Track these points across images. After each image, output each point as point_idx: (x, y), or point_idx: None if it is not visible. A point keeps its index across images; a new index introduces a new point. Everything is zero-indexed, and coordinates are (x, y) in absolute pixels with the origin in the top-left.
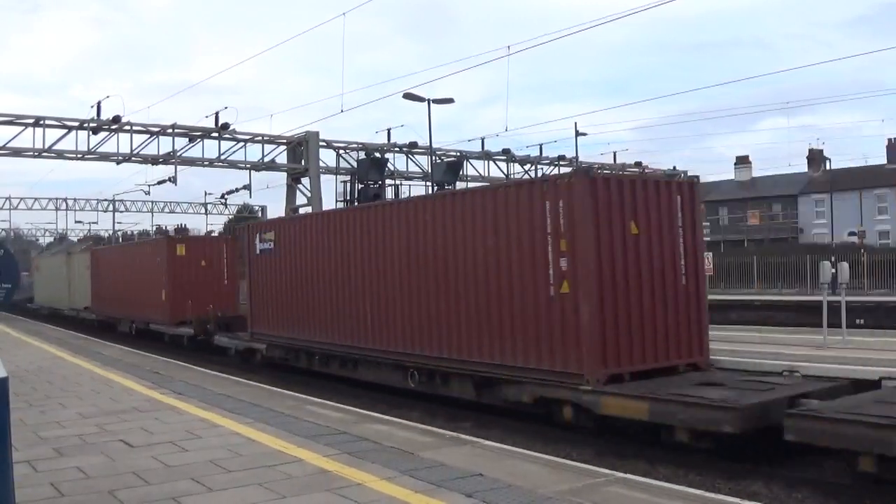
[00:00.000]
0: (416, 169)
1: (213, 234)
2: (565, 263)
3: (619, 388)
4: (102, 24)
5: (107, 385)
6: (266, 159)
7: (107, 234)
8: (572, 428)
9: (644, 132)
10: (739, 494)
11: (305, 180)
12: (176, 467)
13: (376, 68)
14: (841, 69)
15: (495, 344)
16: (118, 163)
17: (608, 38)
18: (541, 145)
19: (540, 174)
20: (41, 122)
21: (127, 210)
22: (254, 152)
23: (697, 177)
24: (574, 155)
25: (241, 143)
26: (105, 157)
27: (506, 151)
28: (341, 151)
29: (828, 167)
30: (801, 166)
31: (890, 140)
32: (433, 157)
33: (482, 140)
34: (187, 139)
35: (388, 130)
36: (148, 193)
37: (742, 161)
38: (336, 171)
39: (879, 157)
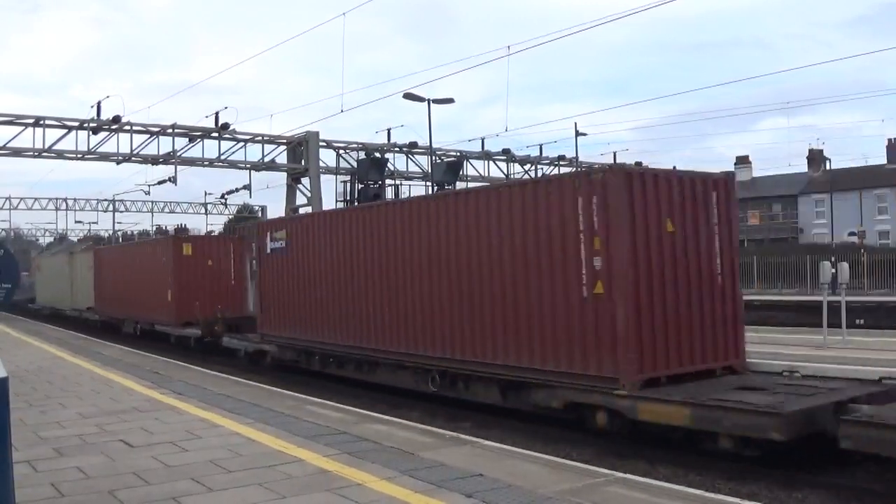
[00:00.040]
0: (416, 169)
1: (212, 234)
2: (599, 262)
3: (657, 393)
4: (102, 24)
5: (107, 385)
6: (266, 159)
7: (107, 234)
8: (605, 434)
9: (644, 132)
10: (739, 494)
11: (305, 180)
12: (176, 467)
13: (376, 68)
14: (841, 69)
15: (523, 346)
16: (118, 163)
17: (608, 38)
18: (541, 145)
19: (540, 174)
20: (41, 122)
21: (127, 210)
22: (254, 152)
23: (733, 173)
24: (574, 155)
25: (241, 143)
26: (105, 157)
27: (506, 151)
28: (341, 151)
29: (828, 167)
30: (801, 166)
31: (890, 140)
32: (433, 157)
33: (482, 140)
34: (187, 139)
35: (388, 130)
36: (148, 193)
37: (742, 161)
38: (336, 171)
39: (879, 157)
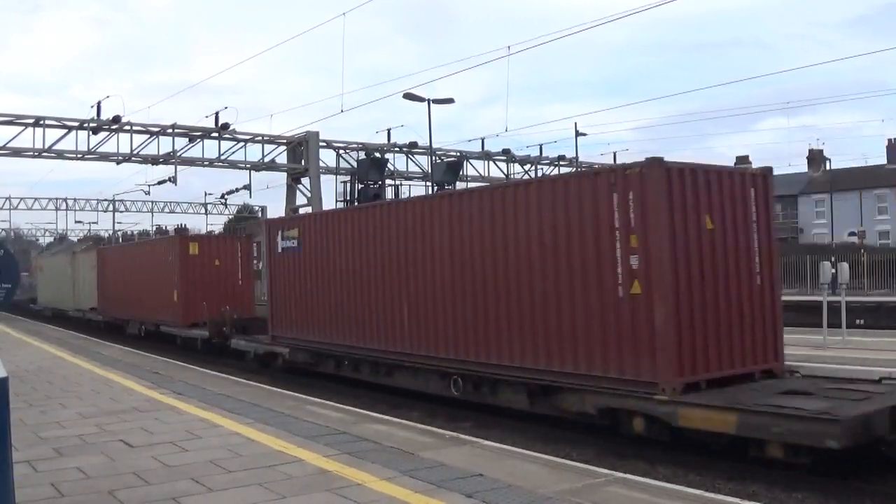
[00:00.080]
0: (416, 169)
1: (219, 234)
2: (636, 261)
3: (699, 398)
4: (102, 24)
5: (107, 385)
6: (266, 159)
7: (107, 234)
8: (643, 440)
9: (644, 132)
10: (739, 494)
11: (305, 180)
12: (176, 467)
13: (376, 68)
14: (841, 69)
15: (553, 349)
16: (118, 163)
17: (609, 38)
18: (541, 145)
19: (540, 174)
20: (41, 122)
21: (127, 210)
22: (254, 152)
23: (770, 168)
24: (574, 155)
25: (241, 143)
26: (105, 157)
27: (506, 151)
28: (341, 151)
29: (828, 167)
30: (801, 166)
31: (890, 140)
32: (433, 157)
33: (482, 140)
34: (187, 139)
35: (388, 130)
36: (148, 193)
37: (742, 161)
38: (336, 171)
39: (879, 157)
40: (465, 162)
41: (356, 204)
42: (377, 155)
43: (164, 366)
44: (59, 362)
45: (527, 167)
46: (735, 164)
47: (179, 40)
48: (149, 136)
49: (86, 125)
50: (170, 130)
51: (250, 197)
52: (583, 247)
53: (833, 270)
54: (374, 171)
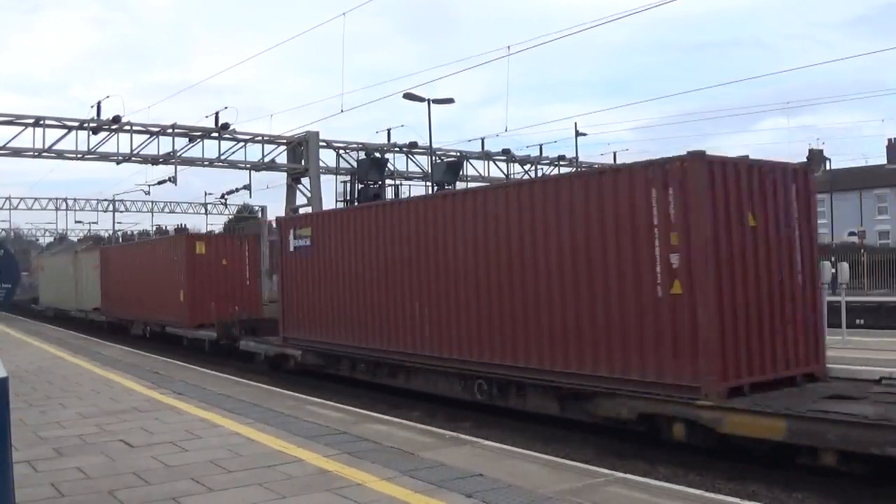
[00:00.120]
0: (416, 169)
1: (221, 233)
2: (677, 260)
3: (745, 404)
4: (102, 24)
5: (107, 385)
6: (266, 159)
7: (107, 234)
8: (682, 447)
9: (644, 132)
10: (739, 494)
11: (305, 180)
12: (176, 467)
13: (376, 68)
14: (841, 69)
15: (586, 352)
16: (118, 163)
17: (609, 38)
18: (541, 145)
19: (540, 174)
20: (41, 122)
21: (127, 210)
22: (254, 152)
23: (810, 163)
24: (574, 155)
25: (241, 143)
26: (105, 157)
27: (506, 151)
28: (341, 151)
29: (828, 167)
30: None
31: (890, 140)
32: (433, 157)
33: (482, 140)
34: (187, 139)
35: (388, 130)
36: (148, 193)
37: None
38: (336, 171)
39: (879, 157)
40: (465, 162)
41: (356, 204)
42: (377, 155)
43: (164, 366)
44: (59, 362)
45: (527, 167)
46: None
47: (179, 40)
48: (149, 136)
49: (86, 125)
50: (170, 130)
51: (250, 197)
52: (618, 245)
53: (833, 270)
54: (374, 171)
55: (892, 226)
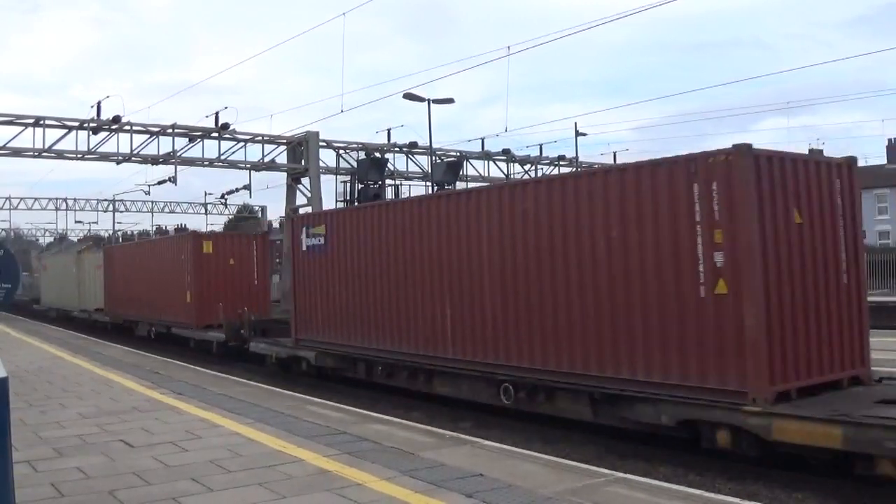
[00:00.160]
0: (416, 169)
1: (228, 232)
2: (721, 258)
3: (796, 409)
4: (102, 24)
5: (107, 385)
6: (266, 159)
7: (107, 234)
8: (729, 455)
9: (644, 132)
10: (739, 494)
11: (305, 180)
12: (176, 467)
13: (376, 68)
14: (841, 69)
15: (622, 355)
16: (118, 163)
17: (609, 38)
18: (541, 145)
19: (540, 174)
20: (41, 122)
21: (127, 210)
22: (254, 152)
23: (855, 158)
24: (574, 155)
25: (241, 143)
26: (105, 157)
27: (506, 151)
28: (341, 151)
29: None
30: None
31: (890, 140)
32: (433, 157)
33: (482, 140)
34: (187, 139)
35: (388, 130)
36: (148, 193)
37: None
38: (336, 171)
39: (879, 157)
40: (465, 162)
41: (356, 204)
42: (377, 155)
43: (164, 366)
44: (60, 362)
45: (527, 167)
46: None
47: (179, 40)
48: (149, 136)
49: (86, 125)
50: (170, 130)
51: (250, 197)
52: (657, 242)
53: None
54: (374, 171)
55: (892, 226)
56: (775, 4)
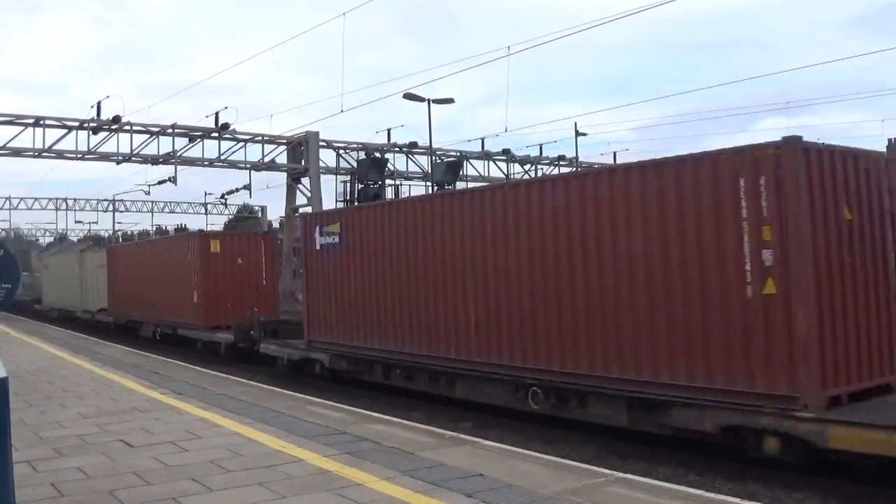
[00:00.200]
0: (416, 169)
1: (235, 231)
2: (769, 257)
3: (852, 415)
4: (102, 24)
5: (107, 385)
6: (266, 159)
7: (107, 234)
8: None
9: (644, 132)
10: (739, 494)
11: (305, 180)
12: (176, 467)
13: (376, 68)
14: (841, 69)
15: (661, 358)
16: (118, 163)
17: (609, 38)
18: (541, 145)
19: (540, 174)
20: (41, 122)
21: (127, 210)
22: (254, 152)
23: None
24: (574, 155)
25: (241, 143)
26: (105, 157)
27: (506, 151)
28: (341, 151)
29: None
30: None
31: (890, 140)
32: (433, 157)
33: (482, 140)
34: (187, 139)
35: (388, 130)
36: (148, 193)
37: None
38: (336, 171)
39: None
40: (465, 162)
41: (356, 204)
42: (377, 155)
43: (164, 366)
44: (60, 362)
45: (527, 167)
46: None
47: (179, 40)
48: (149, 136)
49: (86, 125)
50: (170, 130)
51: (250, 197)
52: (700, 240)
53: None
54: (374, 171)
55: None
56: (775, 4)
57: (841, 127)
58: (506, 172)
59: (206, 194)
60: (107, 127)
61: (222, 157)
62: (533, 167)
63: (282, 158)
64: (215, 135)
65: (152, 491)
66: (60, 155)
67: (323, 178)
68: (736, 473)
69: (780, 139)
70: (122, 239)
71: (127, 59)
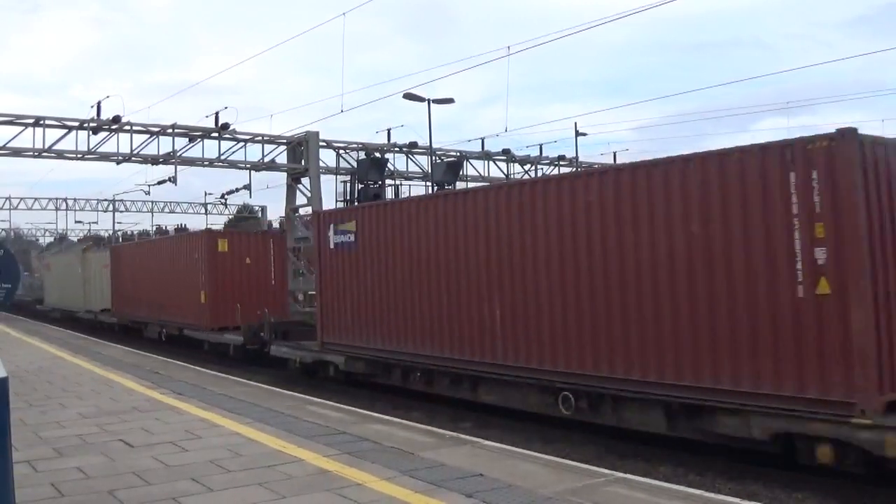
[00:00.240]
0: (416, 169)
1: (243, 230)
2: (823, 255)
3: None
4: (102, 24)
5: (107, 385)
6: (266, 159)
7: (107, 234)
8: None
9: (644, 132)
10: (739, 494)
11: (305, 180)
12: (176, 467)
13: (376, 68)
14: (841, 69)
15: (704, 361)
16: (118, 163)
17: (609, 38)
18: (541, 145)
19: (540, 174)
20: (41, 122)
21: (127, 210)
22: (254, 152)
23: None
24: (574, 155)
25: (241, 143)
26: (105, 157)
27: (506, 151)
28: (341, 151)
29: None
30: None
31: None
32: (433, 157)
33: (482, 140)
34: (187, 139)
35: (388, 130)
36: (148, 193)
37: None
38: (336, 171)
39: None
40: (465, 162)
41: (356, 204)
42: (377, 155)
43: (163, 366)
44: (60, 362)
45: (527, 167)
46: None
47: (179, 40)
48: (149, 136)
49: (86, 125)
50: (170, 130)
51: (250, 197)
52: (747, 237)
53: None
54: (374, 171)
55: None
56: (775, 4)
57: (841, 127)
58: (506, 172)
59: (206, 194)
60: (107, 127)
61: (222, 157)
62: (533, 167)
63: (282, 158)
64: (215, 135)
65: (152, 491)
66: (60, 155)
67: (323, 178)
68: (736, 473)
69: (834, 131)
70: (122, 239)
71: (127, 59)
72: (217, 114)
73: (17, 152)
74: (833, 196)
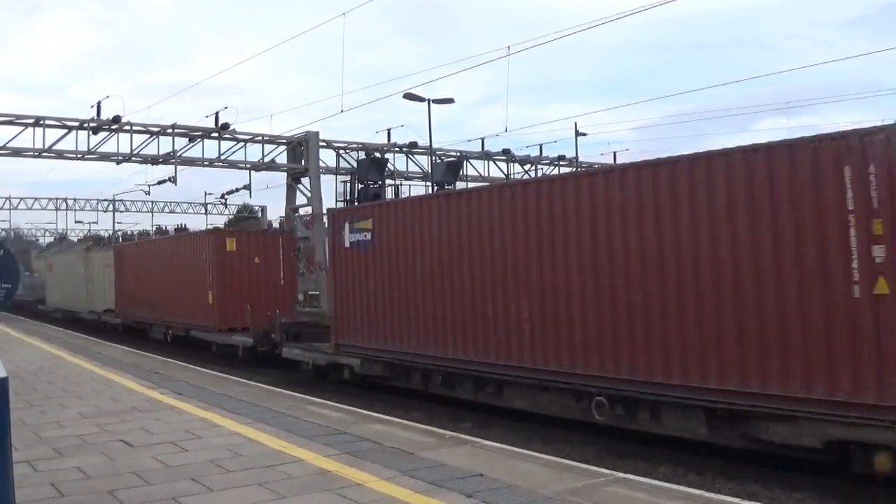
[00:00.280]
0: (416, 169)
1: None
2: (881, 253)
3: None
4: (102, 24)
5: (107, 385)
6: (266, 159)
7: (107, 234)
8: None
9: (644, 132)
10: (739, 494)
11: (305, 180)
12: (176, 467)
13: (376, 68)
14: (841, 69)
15: (751, 364)
16: (118, 163)
17: (609, 38)
18: (541, 145)
19: (540, 174)
20: (41, 122)
21: (127, 210)
22: (254, 152)
23: None
24: (574, 155)
25: (241, 143)
26: (105, 157)
27: (506, 151)
28: (341, 151)
29: None
30: None
31: None
32: (433, 157)
33: (482, 140)
34: (187, 139)
35: (388, 130)
36: (148, 193)
37: None
38: (336, 171)
39: None
40: (465, 162)
41: (356, 204)
42: (377, 155)
43: (164, 366)
44: (60, 362)
45: (527, 167)
46: None
47: (179, 40)
48: (149, 136)
49: (86, 125)
50: (170, 130)
51: (250, 197)
52: (798, 234)
53: None
54: (374, 171)
55: None
56: (775, 4)
57: (841, 127)
58: (506, 172)
59: (206, 194)
60: (107, 127)
61: (222, 157)
62: (533, 167)
63: (282, 158)
64: (215, 135)
65: (152, 491)
66: (60, 155)
67: (323, 178)
68: (736, 473)
69: (892, 122)
70: (122, 239)
71: (127, 59)
72: (217, 114)
73: (17, 152)
74: (892, 190)
